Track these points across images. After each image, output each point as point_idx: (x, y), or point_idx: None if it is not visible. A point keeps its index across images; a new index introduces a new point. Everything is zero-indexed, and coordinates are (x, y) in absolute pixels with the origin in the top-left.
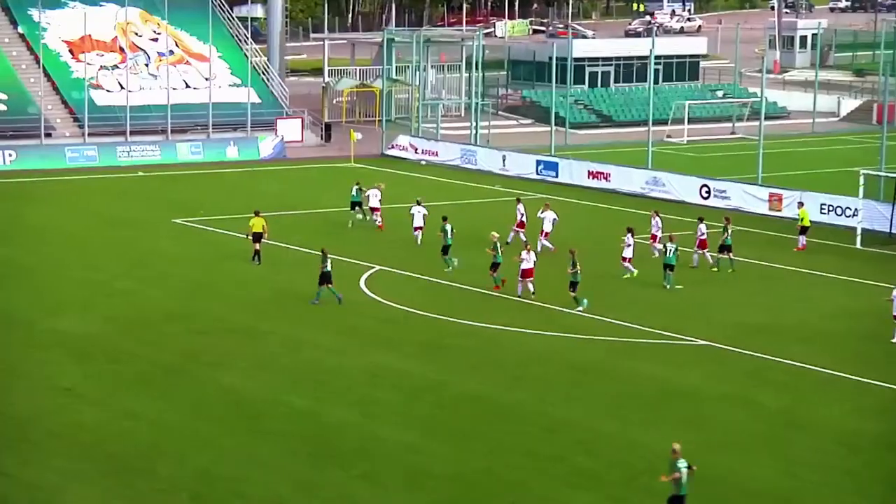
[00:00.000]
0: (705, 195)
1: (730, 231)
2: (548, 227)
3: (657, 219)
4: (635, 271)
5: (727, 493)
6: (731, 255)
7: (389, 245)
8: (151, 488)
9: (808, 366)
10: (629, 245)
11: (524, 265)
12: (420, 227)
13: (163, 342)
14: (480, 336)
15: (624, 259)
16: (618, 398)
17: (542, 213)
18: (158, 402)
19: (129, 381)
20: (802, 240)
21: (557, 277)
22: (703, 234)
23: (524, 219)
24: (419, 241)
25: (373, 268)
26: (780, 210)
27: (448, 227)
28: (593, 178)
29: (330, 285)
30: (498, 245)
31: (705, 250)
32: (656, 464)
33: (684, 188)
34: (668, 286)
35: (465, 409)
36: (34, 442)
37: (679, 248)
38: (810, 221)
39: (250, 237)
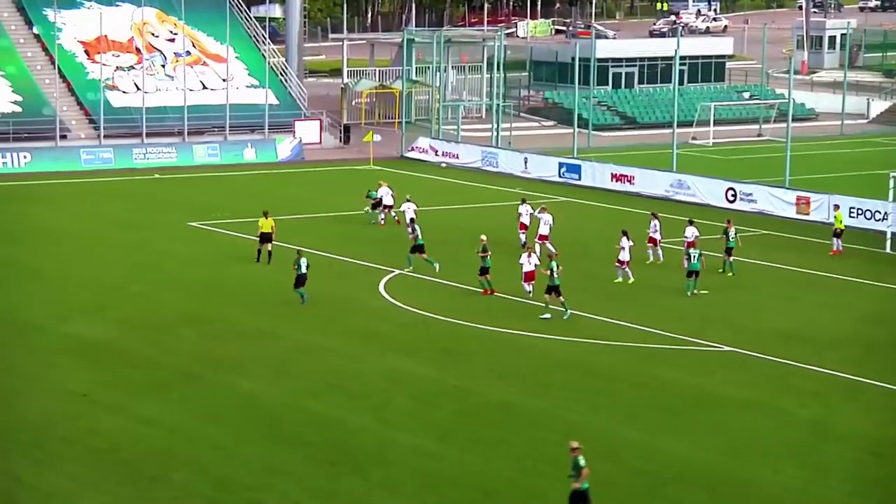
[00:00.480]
0: (731, 198)
1: (731, 233)
2: (544, 230)
3: (655, 221)
4: (632, 278)
5: (754, 501)
6: (724, 257)
7: (408, 249)
8: (166, 495)
9: (835, 372)
10: (624, 248)
11: (525, 268)
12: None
13: (178, 347)
14: (500, 341)
15: (620, 262)
16: (641, 405)
17: (538, 213)
18: (174, 408)
19: (145, 387)
20: (836, 243)
21: (573, 282)
22: (688, 237)
23: (524, 219)
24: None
25: (392, 272)
26: (807, 213)
27: (417, 228)
28: (617, 181)
29: (301, 288)
30: (486, 248)
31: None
32: (682, 472)
33: (710, 191)
34: (690, 293)
35: (485, 415)
36: (48, 448)
37: (703, 253)
38: (844, 226)
39: (258, 238)
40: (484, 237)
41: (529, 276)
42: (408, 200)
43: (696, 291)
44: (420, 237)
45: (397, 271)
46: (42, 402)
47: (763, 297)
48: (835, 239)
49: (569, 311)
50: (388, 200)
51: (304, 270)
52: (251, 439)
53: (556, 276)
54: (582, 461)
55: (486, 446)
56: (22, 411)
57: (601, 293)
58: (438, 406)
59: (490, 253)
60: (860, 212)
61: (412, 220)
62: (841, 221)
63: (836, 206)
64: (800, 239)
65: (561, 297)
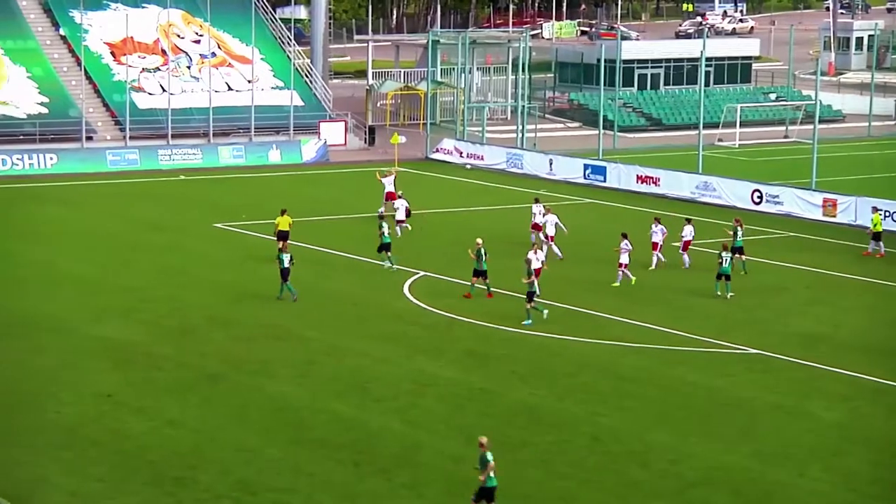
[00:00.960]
0: (757, 200)
1: (741, 232)
2: (550, 231)
3: (659, 226)
4: (632, 279)
5: None
6: (743, 256)
7: (433, 251)
8: (192, 497)
9: (862, 375)
10: (625, 251)
11: (533, 265)
12: (402, 221)
13: (205, 348)
14: (526, 343)
15: (620, 265)
16: (669, 408)
17: (543, 217)
18: (200, 410)
19: (171, 389)
20: (874, 245)
21: (595, 284)
22: (685, 236)
23: (537, 219)
24: (398, 234)
25: (416, 273)
26: (834, 216)
27: (384, 225)
28: (642, 183)
29: (286, 282)
30: (482, 252)
31: (685, 252)
32: (709, 475)
33: (735, 193)
34: (720, 294)
35: (511, 418)
36: (75, 449)
37: (733, 257)
38: (883, 228)
39: (275, 236)
40: (479, 240)
41: (535, 273)
42: (400, 197)
43: (727, 295)
44: (387, 235)
45: (421, 273)
46: (69, 403)
47: (789, 300)
48: (879, 242)
49: (545, 311)
50: (389, 188)
51: (286, 265)
52: (276, 441)
53: (534, 282)
54: (489, 457)
55: (515, 449)
56: (49, 413)
57: (622, 295)
58: (464, 408)
59: (487, 257)
60: (888, 214)
61: (382, 216)
62: (878, 224)
63: (875, 209)
64: (826, 241)
65: (534, 303)
